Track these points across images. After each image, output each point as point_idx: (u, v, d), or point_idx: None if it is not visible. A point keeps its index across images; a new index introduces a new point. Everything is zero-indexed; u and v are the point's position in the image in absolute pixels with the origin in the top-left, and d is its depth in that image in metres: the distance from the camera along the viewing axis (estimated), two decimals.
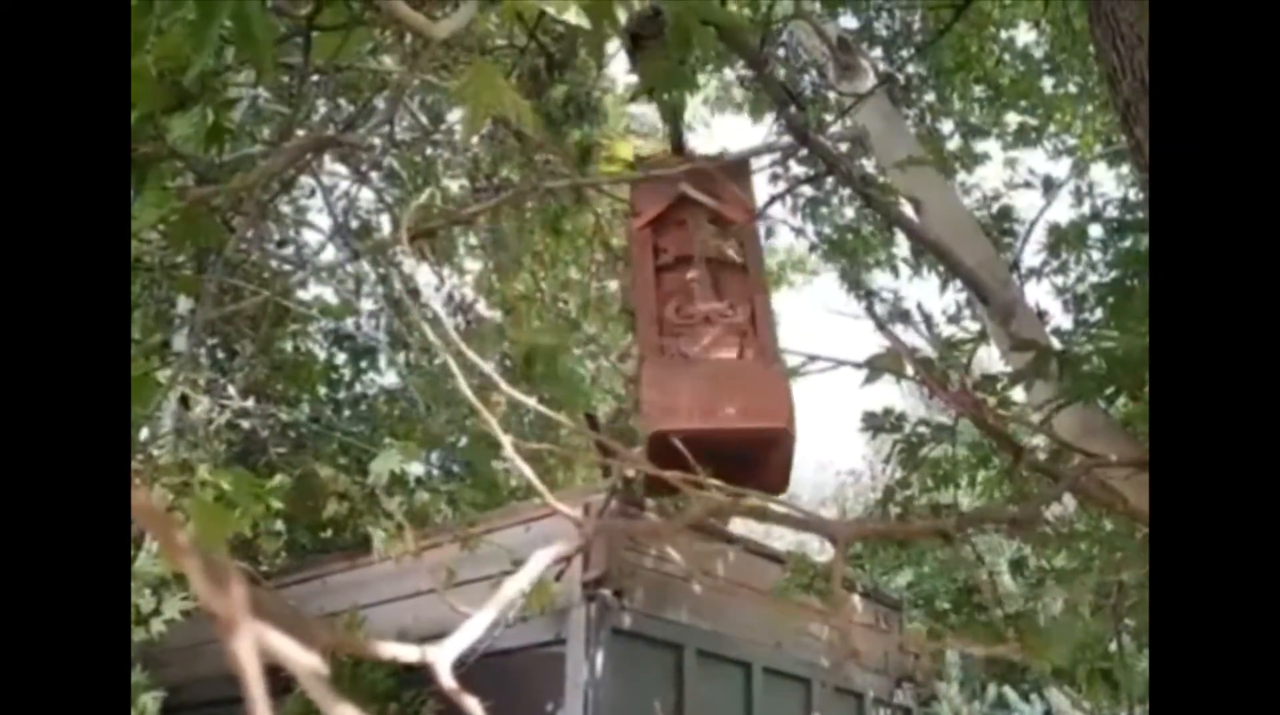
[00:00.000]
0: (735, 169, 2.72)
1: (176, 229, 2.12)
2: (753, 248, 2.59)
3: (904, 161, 2.99)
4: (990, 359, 3.88)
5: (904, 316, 5.12)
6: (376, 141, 4.21)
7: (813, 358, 2.14)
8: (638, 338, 2.53)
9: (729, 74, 5.81)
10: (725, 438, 2.20)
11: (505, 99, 1.77)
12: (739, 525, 5.70)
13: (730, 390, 2.29)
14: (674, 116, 2.64)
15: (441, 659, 0.48)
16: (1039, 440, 3.11)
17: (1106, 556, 3.66)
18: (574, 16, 1.70)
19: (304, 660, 0.35)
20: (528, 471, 0.79)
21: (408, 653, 0.48)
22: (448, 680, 0.49)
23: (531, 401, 1.17)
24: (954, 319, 3.62)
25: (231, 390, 5.99)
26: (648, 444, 2.12)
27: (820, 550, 7.27)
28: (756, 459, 2.25)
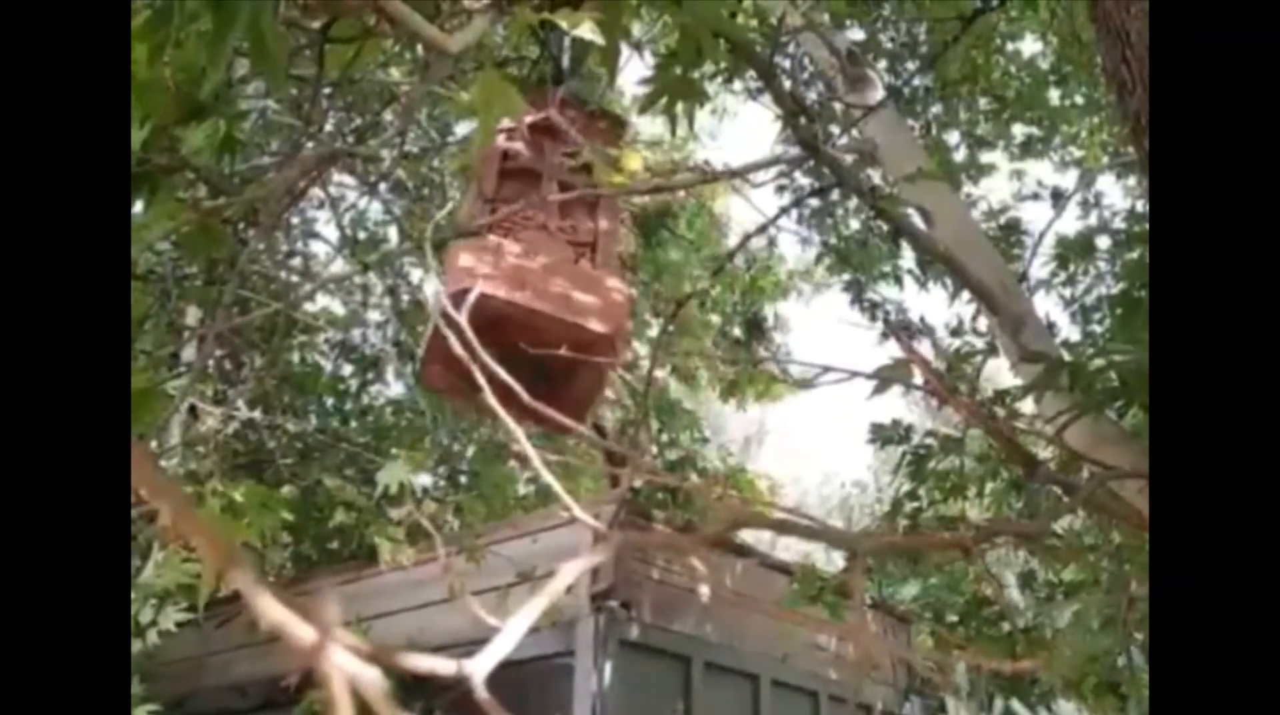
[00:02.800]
0: (610, 119, 2.58)
1: (188, 240, 2.13)
2: (610, 207, 2.39)
3: (913, 174, 2.99)
4: (999, 371, 3.88)
5: (908, 329, 5.12)
6: (384, 153, 4.23)
7: (825, 369, 2.10)
8: (460, 214, 2.24)
9: (737, 85, 5.83)
10: (543, 325, 1.94)
11: (517, 110, 1.78)
12: (745, 535, 5.69)
13: (559, 281, 2.03)
14: (556, 48, 2.47)
15: (477, 671, 0.48)
16: (1049, 452, 3.10)
17: (1115, 569, 3.65)
18: (587, 32, 1.71)
19: (366, 672, 0.35)
20: (553, 482, 0.79)
21: (442, 665, 0.48)
22: (482, 692, 0.49)
23: (548, 410, 1.16)
24: (956, 332, 3.62)
25: (240, 402, 6.00)
26: (450, 303, 1.80)
27: (828, 562, 7.25)
28: (566, 370, 1.99)
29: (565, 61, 2.52)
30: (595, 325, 2.02)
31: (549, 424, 1.63)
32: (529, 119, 2.28)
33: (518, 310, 1.96)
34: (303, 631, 0.35)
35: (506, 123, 2.27)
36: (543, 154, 2.36)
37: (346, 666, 0.35)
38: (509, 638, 0.49)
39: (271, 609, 0.34)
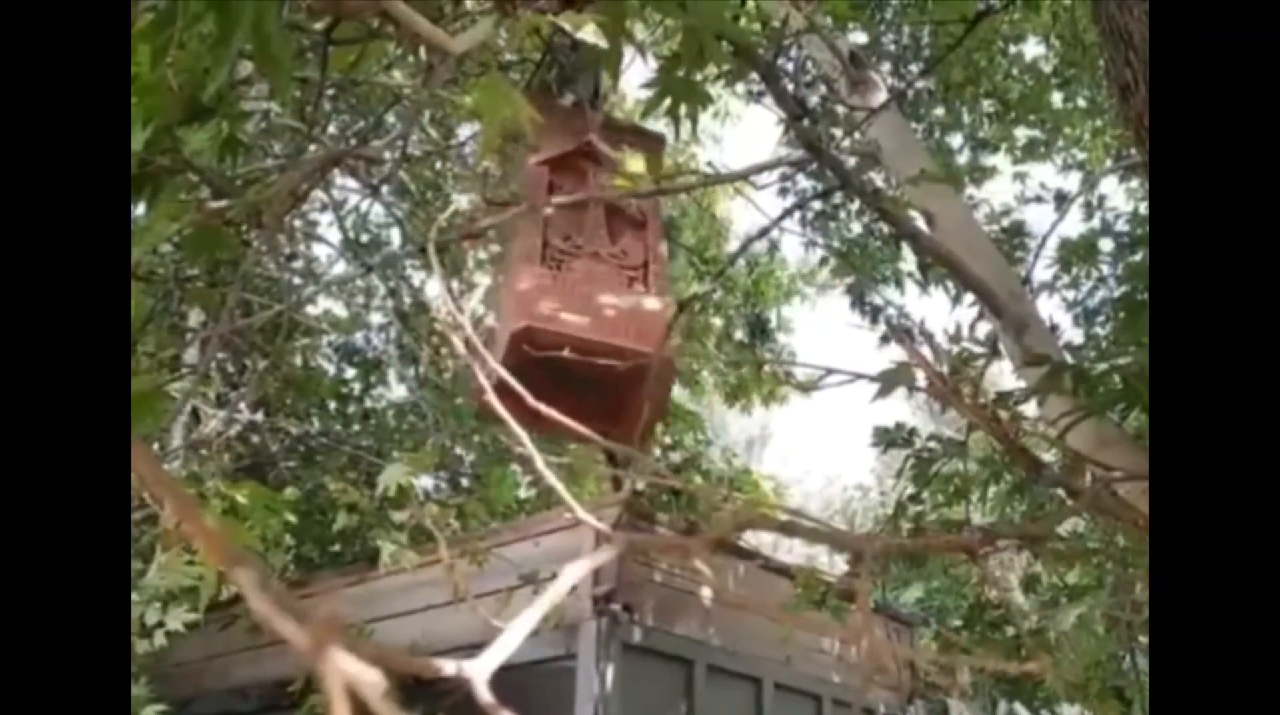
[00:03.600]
0: (649, 139, 2.61)
1: (191, 242, 2.13)
2: (654, 212, 2.44)
3: (917, 177, 2.99)
4: (1001, 373, 3.88)
5: (908, 333, 5.12)
6: (387, 155, 4.23)
7: (829, 371, 2.10)
8: (513, 251, 2.29)
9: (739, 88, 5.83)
10: (600, 351, 1.98)
11: (521, 114, 1.78)
12: (748, 537, 5.68)
13: (613, 310, 2.08)
14: (596, 69, 2.51)
15: (480, 673, 0.47)
16: (1052, 454, 3.10)
17: (1119, 572, 3.64)
18: (590, 34, 1.71)
19: (365, 673, 0.35)
20: (557, 485, 0.78)
21: (444, 666, 0.47)
22: (485, 695, 0.48)
23: (552, 412, 1.16)
24: (955, 338, 3.61)
25: (241, 404, 6.00)
26: (507, 344, 1.88)
27: (831, 565, 7.25)
28: (621, 391, 2.05)
29: (595, 83, 2.56)
30: (651, 348, 2.07)
31: (614, 442, 1.68)
32: (570, 147, 2.34)
33: (578, 340, 2.00)
34: (303, 634, 0.34)
35: (549, 151, 2.33)
36: (587, 180, 2.40)
37: (345, 669, 0.35)
38: (511, 640, 0.49)
39: (273, 611, 0.34)
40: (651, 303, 2.18)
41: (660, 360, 2.06)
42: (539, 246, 2.25)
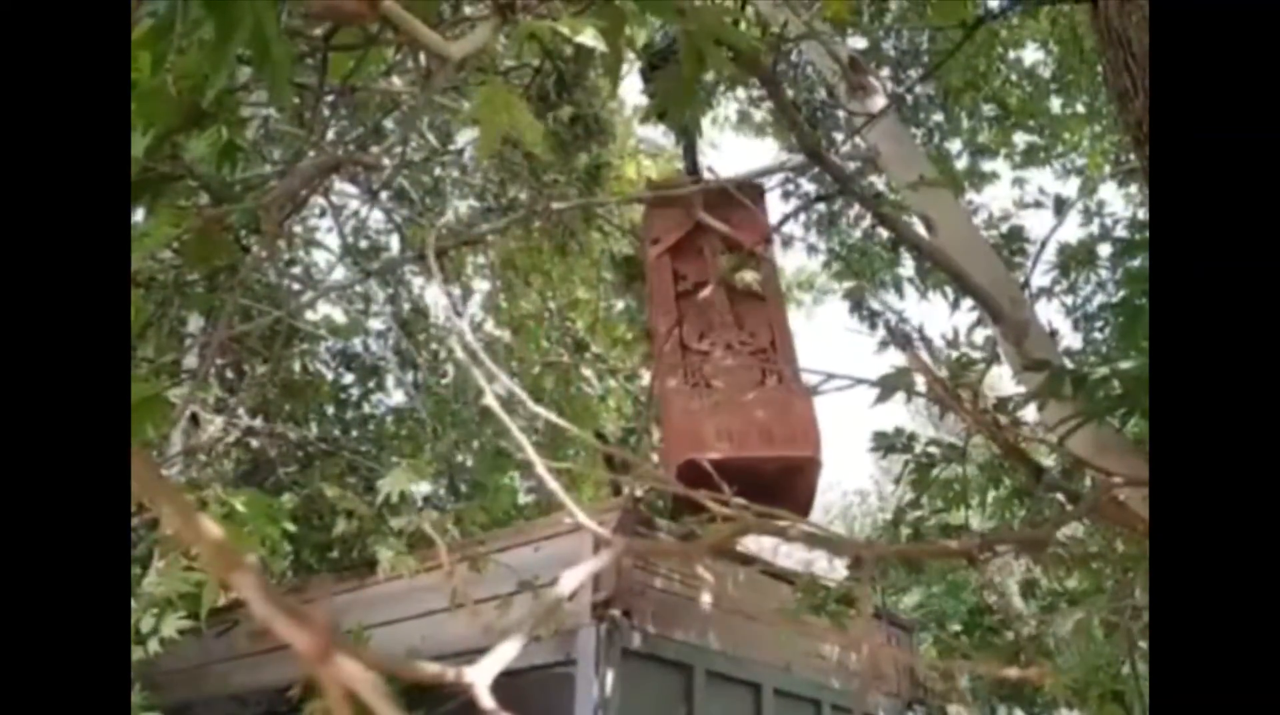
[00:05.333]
0: (748, 191, 2.72)
1: (190, 248, 2.13)
2: (769, 274, 2.59)
3: (917, 182, 2.99)
4: (1000, 379, 3.88)
5: (907, 339, 5.11)
6: (386, 162, 4.23)
7: (830, 376, 2.12)
8: (657, 364, 2.53)
9: (741, 94, 5.84)
10: (752, 466, 2.18)
11: (520, 120, 1.78)
12: (748, 543, 5.67)
13: (757, 418, 2.28)
14: (689, 140, 2.65)
15: (481, 679, 0.47)
16: (1052, 460, 3.09)
17: (1119, 578, 3.64)
18: (589, 39, 1.71)
19: (365, 678, 0.34)
20: (559, 490, 0.78)
21: (447, 672, 0.47)
22: (487, 701, 0.48)
23: (553, 416, 1.17)
24: (953, 344, 3.61)
25: (241, 410, 6.00)
26: (676, 473, 2.09)
27: (830, 570, 7.23)
28: (782, 485, 2.23)
29: (693, 156, 2.67)
30: (799, 451, 2.29)
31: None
32: (683, 230, 2.46)
33: (734, 462, 2.18)
34: (305, 639, 0.34)
35: (666, 241, 2.46)
36: (705, 260, 2.51)
37: (348, 674, 0.35)
38: (513, 645, 0.48)
39: (275, 616, 0.34)
40: (792, 404, 2.36)
41: (809, 461, 2.27)
42: (680, 357, 2.44)
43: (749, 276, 2.49)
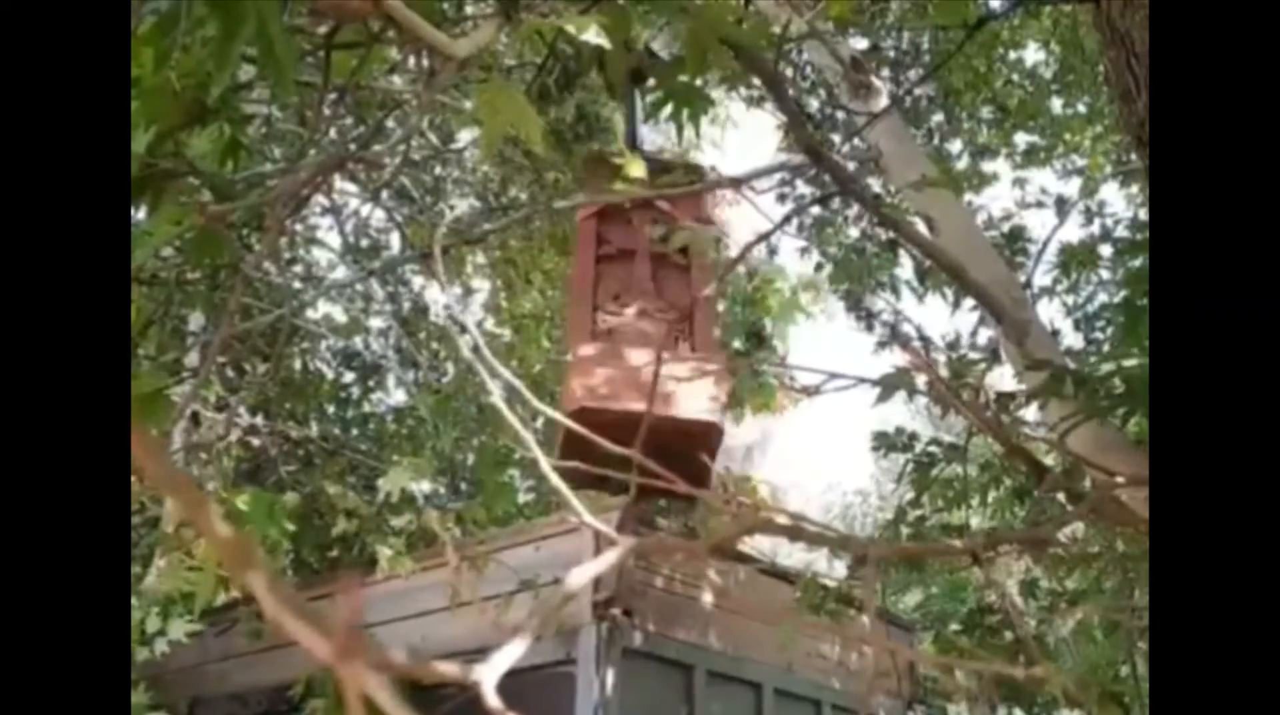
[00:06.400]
0: (691, 171, 2.66)
1: (193, 246, 2.12)
2: (704, 251, 2.52)
3: (918, 182, 2.99)
4: (1001, 379, 3.88)
5: (905, 339, 5.12)
6: (388, 160, 4.22)
7: (831, 376, 2.11)
8: (569, 324, 2.45)
9: (743, 92, 5.84)
10: (649, 424, 2.12)
11: (524, 118, 1.78)
12: (746, 541, 5.67)
13: (660, 378, 2.23)
14: (629, 108, 2.58)
15: (488, 678, 0.47)
16: (1053, 459, 3.09)
17: (1120, 577, 3.64)
18: (594, 36, 1.71)
19: (381, 679, 0.34)
20: (564, 490, 0.78)
21: (453, 671, 0.47)
22: (493, 700, 0.48)
23: (556, 414, 1.17)
24: (952, 345, 3.61)
25: (241, 408, 6.00)
26: (571, 418, 2.00)
27: (830, 570, 7.23)
28: (680, 450, 2.11)
29: (637, 124, 2.61)
30: (701, 416, 2.20)
31: (674, 496, 1.81)
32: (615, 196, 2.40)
33: (627, 416, 2.12)
34: (326, 643, 0.34)
35: (594, 202, 2.41)
36: (633, 229, 2.46)
37: (368, 681, 0.34)
38: (521, 643, 0.48)
39: (290, 618, 0.33)
40: (698, 369, 2.28)
41: (709, 427, 2.18)
42: (590, 313, 2.36)
43: (677, 251, 2.42)
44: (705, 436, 2.19)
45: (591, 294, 2.40)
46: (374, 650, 0.36)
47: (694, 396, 2.22)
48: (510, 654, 0.49)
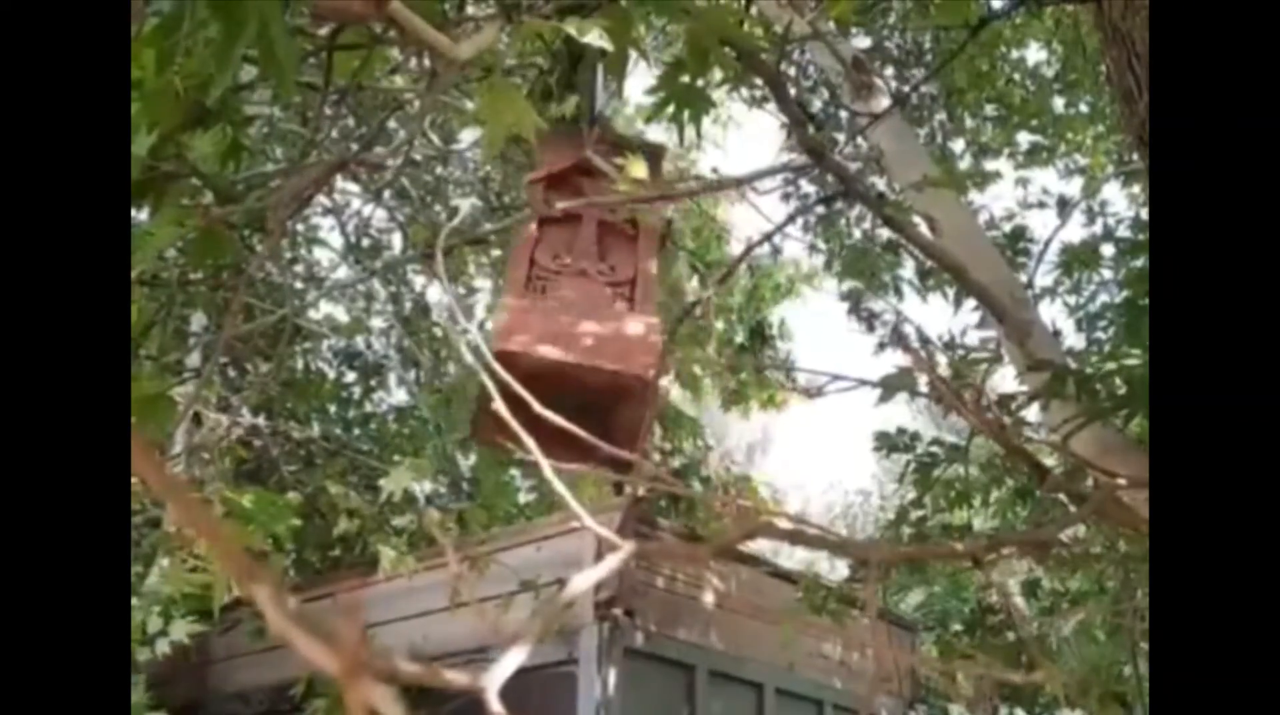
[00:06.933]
0: (649, 150, 2.63)
1: (195, 247, 2.13)
2: (649, 226, 2.46)
3: (920, 182, 2.99)
4: (1003, 379, 3.87)
5: (906, 339, 5.11)
6: (390, 162, 4.23)
7: (833, 377, 2.09)
8: (506, 281, 2.36)
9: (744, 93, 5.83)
10: (578, 375, 2.03)
11: (526, 119, 1.78)
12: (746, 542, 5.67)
13: (591, 330, 2.12)
14: (590, 84, 2.53)
15: (492, 683, 0.47)
16: (1054, 460, 3.09)
17: (1122, 578, 3.64)
18: (595, 38, 1.71)
19: (388, 689, 0.34)
20: (564, 491, 0.78)
21: (458, 679, 0.47)
22: (496, 706, 0.48)
23: (555, 416, 1.16)
24: (950, 346, 3.60)
25: (243, 408, 6.00)
26: (495, 362, 1.98)
27: (831, 570, 7.23)
28: (610, 407, 2.07)
29: (595, 97, 2.55)
30: (628, 369, 2.08)
31: (601, 462, 1.70)
32: (566, 163, 2.35)
33: (555, 365, 2.04)
34: (333, 656, 0.34)
35: (546, 168, 2.36)
36: (583, 196, 2.41)
37: (374, 695, 0.34)
38: (522, 648, 0.48)
39: (295, 629, 0.33)
40: (635, 324, 2.20)
41: (641, 383, 2.07)
42: (526, 268, 2.28)
43: (623, 221, 2.37)
44: (637, 392, 2.09)
45: (530, 252, 2.33)
46: (379, 661, 0.36)
47: (626, 350, 2.13)
48: (514, 660, 0.49)
